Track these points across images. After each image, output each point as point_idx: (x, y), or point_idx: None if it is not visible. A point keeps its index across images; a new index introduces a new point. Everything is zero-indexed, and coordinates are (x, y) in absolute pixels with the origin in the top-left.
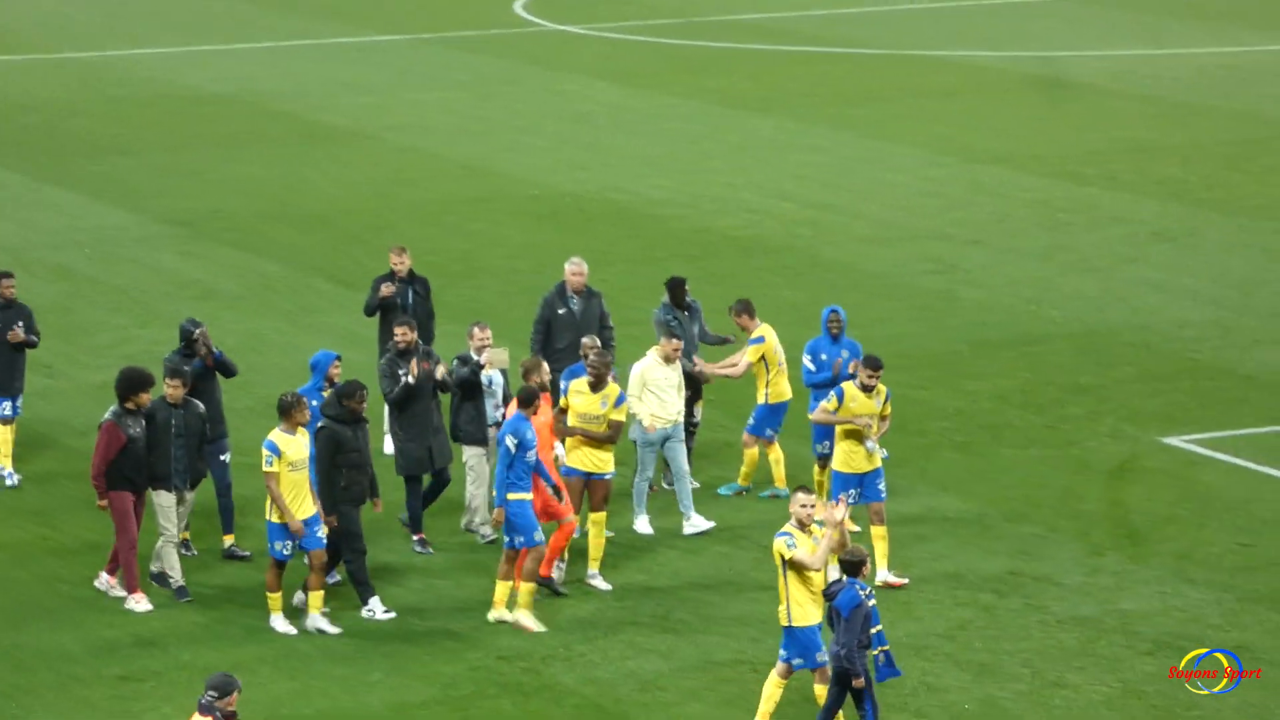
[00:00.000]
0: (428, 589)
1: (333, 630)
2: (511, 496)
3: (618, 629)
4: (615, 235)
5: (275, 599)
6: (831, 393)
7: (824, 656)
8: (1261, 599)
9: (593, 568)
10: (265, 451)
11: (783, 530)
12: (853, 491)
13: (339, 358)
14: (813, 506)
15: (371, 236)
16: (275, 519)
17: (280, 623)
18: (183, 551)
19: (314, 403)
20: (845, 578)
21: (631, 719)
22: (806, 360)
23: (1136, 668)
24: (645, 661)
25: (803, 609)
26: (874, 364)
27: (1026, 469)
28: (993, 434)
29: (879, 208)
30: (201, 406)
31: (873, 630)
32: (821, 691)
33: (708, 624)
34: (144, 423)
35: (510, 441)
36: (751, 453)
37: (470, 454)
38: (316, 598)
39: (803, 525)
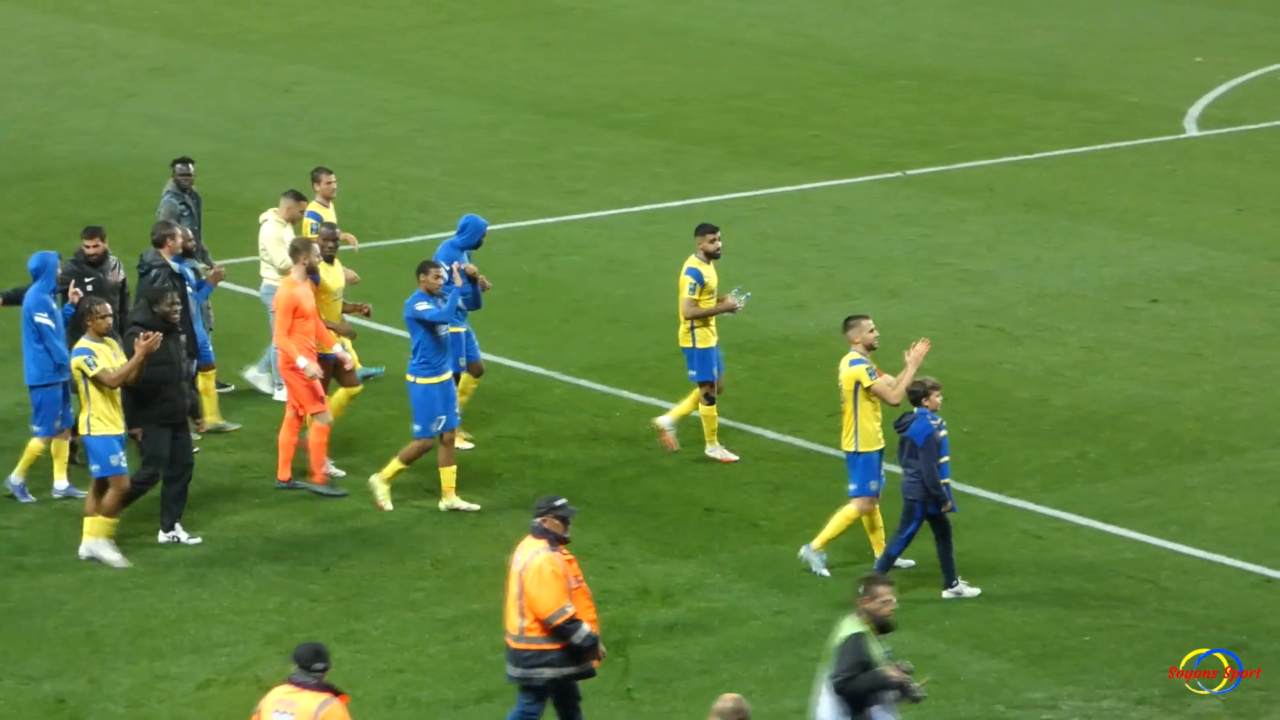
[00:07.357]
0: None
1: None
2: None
3: None
4: None
5: (105, 524)
6: (691, 280)
7: (876, 485)
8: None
9: None
10: (81, 359)
11: (856, 358)
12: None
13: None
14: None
15: None
16: (98, 431)
17: (106, 550)
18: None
19: (54, 307)
20: (916, 408)
21: None
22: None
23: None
24: None
25: (868, 436)
26: (709, 228)
27: None
28: None
29: None
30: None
31: (941, 460)
32: (868, 520)
33: None
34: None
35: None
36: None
37: None
38: (98, 524)
39: (869, 349)
